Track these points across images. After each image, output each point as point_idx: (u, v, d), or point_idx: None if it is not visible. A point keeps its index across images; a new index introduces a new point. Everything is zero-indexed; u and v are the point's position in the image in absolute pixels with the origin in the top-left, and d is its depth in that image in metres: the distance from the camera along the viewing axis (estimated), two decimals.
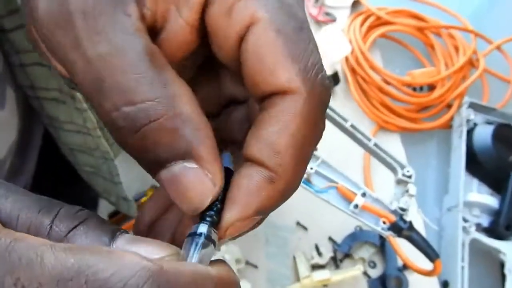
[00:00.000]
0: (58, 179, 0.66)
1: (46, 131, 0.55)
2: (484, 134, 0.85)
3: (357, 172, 0.85)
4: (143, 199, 0.76)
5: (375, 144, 0.66)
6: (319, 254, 0.74)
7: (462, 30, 1.03)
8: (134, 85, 0.19)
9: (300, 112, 0.21)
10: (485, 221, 0.80)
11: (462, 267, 0.72)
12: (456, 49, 1.01)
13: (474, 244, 0.75)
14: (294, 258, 0.74)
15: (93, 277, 0.17)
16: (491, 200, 0.80)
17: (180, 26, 0.22)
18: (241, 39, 0.22)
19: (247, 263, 0.73)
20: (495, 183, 0.83)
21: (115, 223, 0.74)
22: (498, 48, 1.04)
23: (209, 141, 0.21)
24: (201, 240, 0.21)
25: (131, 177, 0.79)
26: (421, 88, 0.96)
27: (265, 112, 0.22)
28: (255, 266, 0.73)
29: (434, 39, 1.02)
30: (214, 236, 0.22)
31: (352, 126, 0.66)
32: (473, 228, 0.76)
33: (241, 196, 0.22)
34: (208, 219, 0.22)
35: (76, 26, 0.20)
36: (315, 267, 0.74)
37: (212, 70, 0.27)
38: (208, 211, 0.22)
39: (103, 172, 0.57)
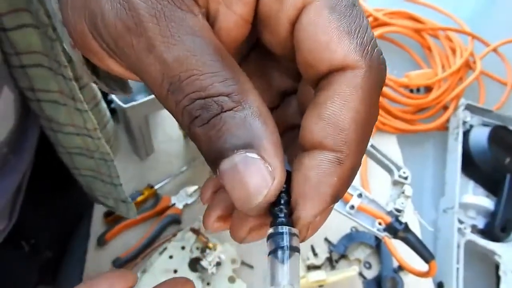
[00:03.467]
0: (54, 183, 0.66)
1: (42, 135, 0.54)
2: (480, 136, 0.85)
3: None
4: (139, 198, 0.76)
5: (372, 146, 0.66)
6: (315, 254, 0.74)
7: (459, 32, 1.04)
8: (210, 82, 0.20)
9: (361, 86, 0.21)
10: (480, 223, 0.81)
11: (457, 269, 0.72)
12: (453, 51, 1.01)
13: (469, 246, 0.75)
14: None
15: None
16: (487, 202, 0.81)
17: (233, 21, 0.23)
18: (294, 23, 0.22)
19: (243, 263, 0.73)
20: (491, 185, 0.83)
21: (111, 223, 0.74)
22: (495, 50, 1.04)
23: (274, 136, 0.21)
24: (287, 252, 0.21)
25: (127, 176, 0.79)
26: (418, 90, 0.96)
27: (322, 91, 0.22)
28: (251, 266, 0.73)
29: (431, 41, 1.02)
30: (296, 241, 0.22)
31: None
32: (468, 230, 0.77)
33: (313, 188, 0.21)
34: (283, 226, 0.22)
35: (149, 30, 0.20)
36: (311, 267, 0.74)
37: (259, 66, 0.27)
38: (278, 219, 0.22)
39: (103, 175, 0.57)
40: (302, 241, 0.22)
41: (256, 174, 0.21)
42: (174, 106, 0.21)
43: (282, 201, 0.22)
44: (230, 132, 0.20)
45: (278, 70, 0.27)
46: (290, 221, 0.22)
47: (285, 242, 0.21)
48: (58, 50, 0.41)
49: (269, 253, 0.22)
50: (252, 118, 0.21)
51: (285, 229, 0.21)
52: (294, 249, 0.21)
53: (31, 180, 0.57)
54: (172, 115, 0.22)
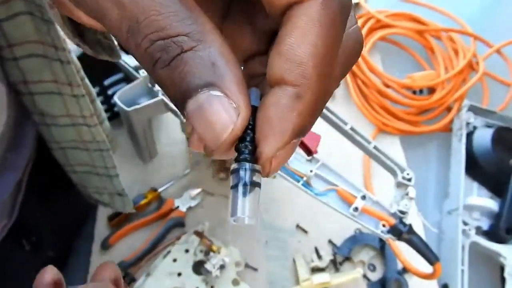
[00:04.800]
0: (56, 180, 0.65)
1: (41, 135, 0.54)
2: (484, 137, 0.85)
3: (357, 175, 0.85)
4: (143, 201, 0.76)
5: (375, 147, 0.66)
6: (319, 257, 0.74)
7: (462, 34, 1.03)
8: (168, 22, 0.20)
9: (318, 18, 0.21)
10: (485, 224, 0.80)
11: (462, 271, 0.72)
12: (456, 52, 1.01)
13: (474, 247, 0.75)
14: (294, 261, 0.74)
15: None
16: (491, 203, 0.80)
17: None
18: None
19: (247, 266, 0.73)
20: (495, 186, 0.83)
21: (115, 226, 0.74)
22: (498, 51, 1.04)
23: (236, 74, 0.21)
24: (247, 187, 0.22)
25: (130, 180, 0.79)
26: (421, 91, 0.96)
27: (282, 27, 0.22)
28: (255, 269, 0.73)
29: (434, 42, 1.02)
30: (258, 177, 0.23)
31: (352, 129, 0.66)
32: (473, 231, 0.76)
33: (273, 124, 0.21)
34: (245, 162, 0.22)
35: None
36: (315, 270, 0.74)
37: (246, 10, 0.27)
38: (241, 155, 0.22)
39: (97, 167, 0.56)
40: (267, 175, 0.23)
41: (221, 111, 0.21)
42: (135, 50, 0.21)
43: (248, 138, 0.22)
44: (192, 72, 0.20)
45: (262, 11, 0.26)
46: (254, 158, 0.23)
47: (247, 177, 0.22)
48: (56, 32, 0.41)
49: (231, 187, 0.22)
50: (213, 56, 0.21)
51: (247, 165, 0.22)
52: (255, 184, 0.22)
53: (32, 177, 0.57)
54: (137, 61, 0.22)
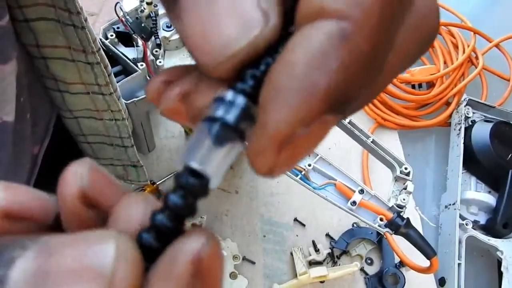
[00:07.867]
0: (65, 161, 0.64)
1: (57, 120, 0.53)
2: (482, 131, 0.85)
3: (355, 169, 0.85)
4: None
5: (374, 141, 0.66)
6: (316, 250, 0.75)
7: (462, 28, 1.03)
8: None
9: None
10: (482, 219, 0.80)
11: (459, 265, 0.72)
12: (455, 46, 1.00)
13: (471, 242, 0.75)
14: (292, 254, 0.74)
15: None
16: (489, 198, 0.80)
17: None
18: None
19: (245, 259, 0.73)
20: (493, 181, 0.83)
21: None
22: (497, 46, 1.04)
23: None
24: (229, 132, 0.14)
25: None
26: (420, 86, 0.95)
27: None
28: (253, 262, 0.73)
29: None
30: (246, 126, 0.14)
31: (350, 123, 0.66)
32: (470, 226, 0.76)
33: (297, 77, 0.13)
34: (241, 94, 0.14)
35: None
36: (312, 263, 0.74)
37: None
38: (242, 83, 0.14)
39: (112, 138, 0.55)
40: (269, 172, 0.14)
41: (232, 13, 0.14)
42: None
43: (262, 68, 0.14)
44: None
45: None
46: (255, 95, 0.14)
47: (231, 116, 0.14)
48: None
49: (203, 120, 0.14)
50: None
51: (240, 99, 0.14)
52: (239, 133, 0.14)
53: (46, 154, 0.56)
54: None
